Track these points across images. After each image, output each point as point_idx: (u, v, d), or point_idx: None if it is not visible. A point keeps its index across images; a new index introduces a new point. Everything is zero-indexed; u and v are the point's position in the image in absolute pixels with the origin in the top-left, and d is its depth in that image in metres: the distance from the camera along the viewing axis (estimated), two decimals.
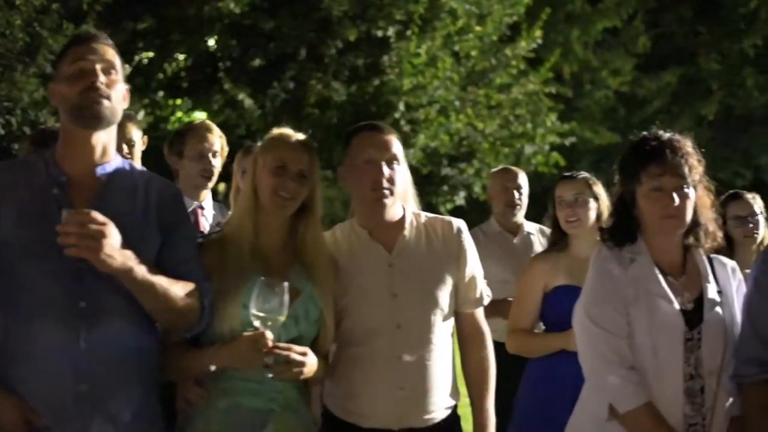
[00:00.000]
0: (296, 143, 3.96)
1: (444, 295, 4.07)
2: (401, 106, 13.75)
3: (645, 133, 3.91)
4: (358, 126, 4.14)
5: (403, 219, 4.11)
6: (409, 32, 13.59)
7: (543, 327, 5.40)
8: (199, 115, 12.37)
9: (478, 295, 4.20)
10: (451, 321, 4.15)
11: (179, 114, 13.18)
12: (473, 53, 14.47)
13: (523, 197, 6.58)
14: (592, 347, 3.81)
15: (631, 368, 3.73)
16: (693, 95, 19.23)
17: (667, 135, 3.86)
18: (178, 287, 3.53)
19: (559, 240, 5.39)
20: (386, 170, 3.99)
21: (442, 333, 4.07)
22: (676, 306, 3.77)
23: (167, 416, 3.80)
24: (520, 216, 6.58)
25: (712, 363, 3.76)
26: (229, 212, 5.70)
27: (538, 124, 15.18)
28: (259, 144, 5.68)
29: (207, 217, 5.59)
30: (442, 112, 14.22)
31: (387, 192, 4.00)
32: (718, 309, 3.82)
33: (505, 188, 6.56)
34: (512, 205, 6.53)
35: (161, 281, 3.47)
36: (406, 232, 4.09)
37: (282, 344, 3.69)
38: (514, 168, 6.88)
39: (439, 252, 4.10)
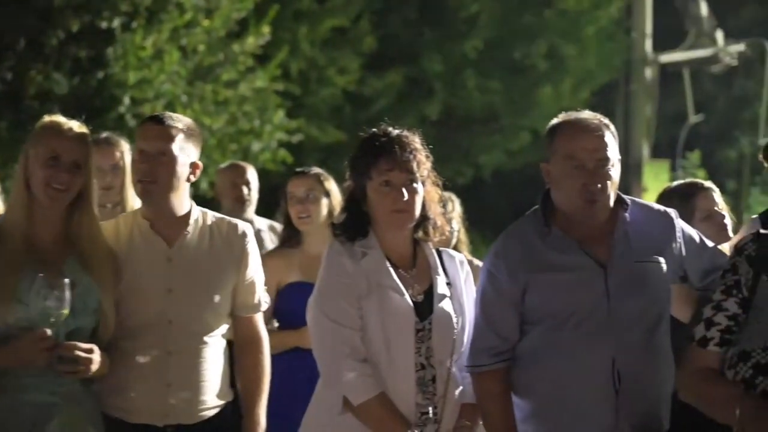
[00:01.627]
0: (69, 132, 3.84)
1: (221, 295, 4.07)
2: (126, 100, 13.42)
3: (374, 129, 3.96)
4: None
5: (188, 215, 4.08)
6: (134, 24, 13.28)
7: (276, 324, 5.36)
8: None
9: (256, 300, 4.22)
10: (227, 323, 4.14)
11: None
12: (201, 48, 14.28)
13: (253, 193, 6.55)
14: (326, 341, 3.84)
15: (364, 361, 3.78)
16: (417, 95, 19.68)
17: (396, 131, 3.94)
18: None
19: (291, 236, 5.37)
20: (148, 163, 3.97)
21: (216, 333, 4.07)
22: (407, 298, 3.84)
23: None
24: (249, 212, 6.55)
25: (443, 353, 3.85)
26: None
27: (266, 121, 15.14)
28: None
29: None
30: (168, 107, 13.95)
31: (148, 185, 3.98)
32: (448, 300, 3.91)
33: (234, 184, 6.52)
34: (242, 201, 6.49)
35: None
36: (190, 229, 4.07)
37: (67, 343, 3.65)
38: (242, 163, 6.87)
39: (221, 253, 4.10)
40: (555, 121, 3.86)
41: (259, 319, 4.26)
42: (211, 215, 4.17)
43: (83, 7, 12.93)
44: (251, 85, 14.93)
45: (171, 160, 3.99)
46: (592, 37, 20.59)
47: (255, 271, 4.19)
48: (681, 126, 22.88)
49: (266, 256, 5.46)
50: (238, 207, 6.50)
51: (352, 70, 18.57)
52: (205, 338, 4.04)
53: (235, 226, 4.17)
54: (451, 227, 5.86)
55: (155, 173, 3.97)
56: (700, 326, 3.34)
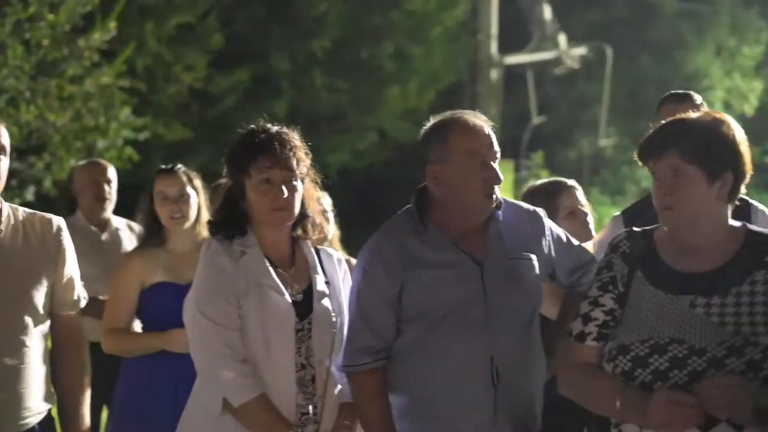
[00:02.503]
0: None
1: (40, 295, 3.86)
2: None
3: (253, 126, 3.92)
4: None
5: None
6: None
7: (141, 325, 5.24)
8: None
9: (75, 297, 4.03)
10: (47, 323, 3.95)
11: None
12: (45, 42, 13.93)
13: (113, 192, 6.41)
14: (205, 341, 3.76)
15: (244, 361, 3.72)
16: (264, 93, 19.58)
17: (275, 128, 3.90)
18: None
19: (153, 235, 5.24)
20: None
21: (37, 335, 3.87)
22: (287, 297, 3.80)
23: None
24: (109, 211, 6.41)
25: (322, 352, 3.83)
26: None
27: (112, 117, 14.85)
28: None
29: None
30: (11, 102, 13.60)
31: None
32: (327, 299, 3.89)
33: (95, 182, 6.36)
34: (102, 200, 6.34)
35: None
36: (2, 227, 3.85)
37: None
38: (103, 161, 6.70)
39: (37, 250, 3.89)
40: (440, 120, 3.84)
41: (78, 317, 4.08)
42: (22, 211, 3.97)
43: None
44: (97, 81, 14.63)
45: (7, 158, 3.86)
46: (439, 38, 20.84)
47: (72, 266, 4.01)
48: (524, 127, 23.38)
49: (128, 256, 5.34)
50: (97, 206, 6.35)
51: (199, 68, 18.37)
52: (27, 341, 3.83)
53: (49, 220, 3.97)
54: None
55: None
56: (578, 322, 3.40)
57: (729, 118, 3.35)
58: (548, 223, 3.97)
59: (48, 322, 3.95)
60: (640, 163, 3.42)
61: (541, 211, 3.98)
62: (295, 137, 3.90)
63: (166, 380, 4.92)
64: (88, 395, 4.08)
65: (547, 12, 23.03)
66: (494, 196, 3.78)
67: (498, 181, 3.75)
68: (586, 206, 4.97)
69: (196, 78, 18.42)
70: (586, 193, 5.24)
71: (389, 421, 3.78)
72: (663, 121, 3.42)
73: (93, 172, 6.41)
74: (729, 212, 3.33)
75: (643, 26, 25.01)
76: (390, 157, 20.72)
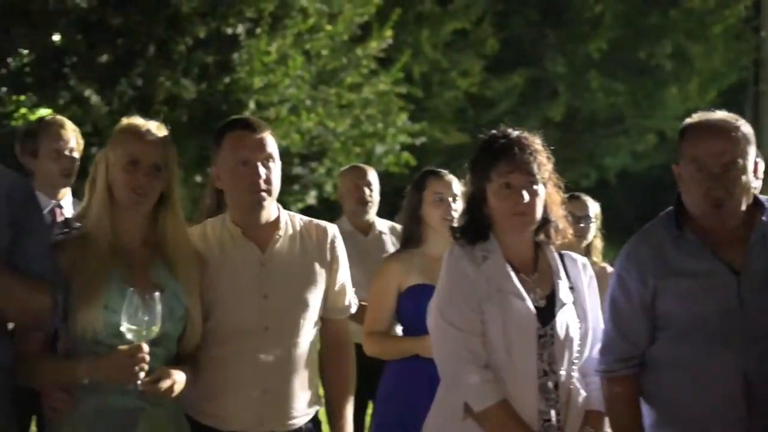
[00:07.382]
0: (147, 134, 3.77)
1: (314, 299, 4.02)
2: (252, 105, 13.64)
3: (494, 131, 3.90)
4: (229, 123, 4.05)
5: (278, 219, 4.04)
6: (259, 30, 13.50)
7: (401, 329, 5.34)
8: (44, 112, 12.06)
9: (346, 303, 4.17)
10: (318, 327, 4.10)
11: (22, 110, 12.85)
12: (324, 52, 14.44)
13: (375, 195, 6.54)
14: (447, 346, 3.79)
15: (486, 366, 3.71)
16: (540, 97, 19.58)
17: (515, 133, 3.86)
18: (26, 283, 3.42)
19: (412, 237, 5.33)
20: (263, 171, 3.91)
21: (309, 338, 4.02)
22: (529, 303, 3.77)
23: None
24: (372, 214, 6.55)
25: (565, 359, 3.78)
26: None
27: (389, 123, 15.23)
28: None
29: (66, 216, 5.45)
30: (293, 110, 14.16)
31: (264, 194, 3.94)
32: (570, 306, 3.84)
33: (356, 186, 6.52)
34: (363, 203, 6.49)
35: (5, 277, 3.38)
36: (281, 233, 4.02)
37: (149, 378, 3.56)
38: (363, 165, 6.84)
39: (313, 256, 4.05)
40: (687, 121, 3.74)
41: (347, 322, 4.22)
42: (299, 219, 4.11)
43: (209, 14, 13.18)
44: (374, 88, 15.04)
45: (278, 167, 3.99)
46: (719, 36, 20.22)
47: (345, 273, 4.14)
48: None
49: (388, 260, 5.43)
50: (360, 209, 6.51)
51: (474, 73, 18.59)
52: (300, 343, 3.98)
53: (324, 228, 4.12)
54: (588, 224, 5.88)
55: (269, 181, 3.95)
56: None
57: None
58: None
59: (317, 327, 4.09)
60: None
61: None
62: (536, 141, 3.86)
63: (422, 384, 4.97)
64: (352, 399, 4.21)
65: None
66: (722, 206, 3.61)
67: (718, 191, 3.58)
68: None
69: (472, 83, 18.64)
70: None
71: (639, 427, 3.74)
72: None
73: (353, 177, 6.57)
74: None
75: None
76: (671, 160, 20.23)
